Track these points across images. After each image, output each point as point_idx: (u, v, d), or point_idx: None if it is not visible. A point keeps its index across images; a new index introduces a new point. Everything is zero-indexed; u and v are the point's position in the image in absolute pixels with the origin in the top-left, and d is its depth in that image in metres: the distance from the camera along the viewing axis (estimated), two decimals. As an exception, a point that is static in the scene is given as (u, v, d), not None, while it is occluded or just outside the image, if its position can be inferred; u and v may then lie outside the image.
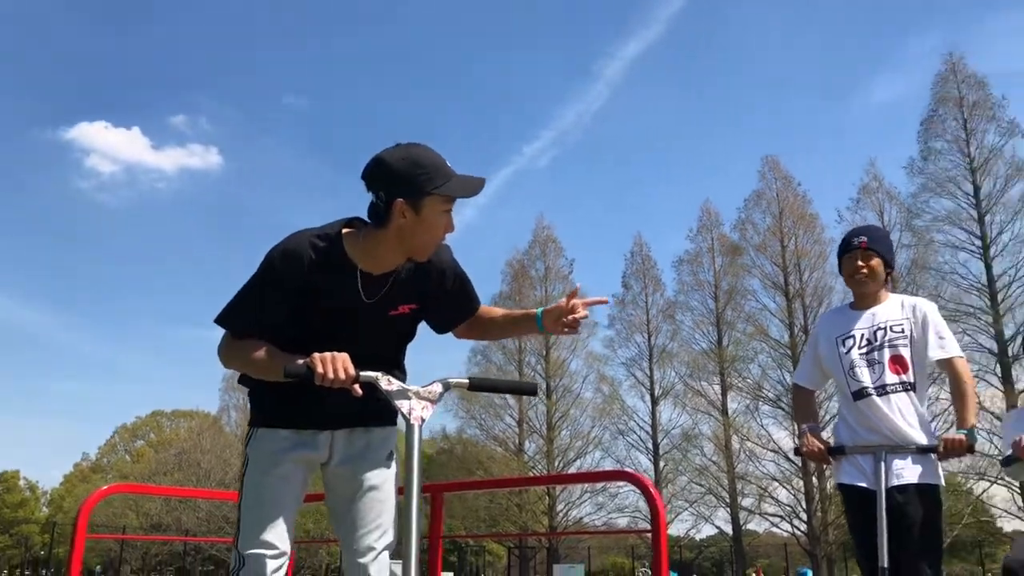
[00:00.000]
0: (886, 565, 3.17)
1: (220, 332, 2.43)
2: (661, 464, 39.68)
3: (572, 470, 38.43)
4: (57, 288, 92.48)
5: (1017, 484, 26.19)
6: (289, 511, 2.42)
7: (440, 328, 2.66)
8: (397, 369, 2.59)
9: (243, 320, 2.37)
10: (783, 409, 35.68)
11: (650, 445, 40.41)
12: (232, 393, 53.24)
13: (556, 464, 38.81)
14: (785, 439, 35.35)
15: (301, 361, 2.14)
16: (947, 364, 3.45)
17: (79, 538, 4.20)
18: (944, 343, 3.47)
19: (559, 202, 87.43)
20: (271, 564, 2.33)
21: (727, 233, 41.23)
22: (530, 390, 2.38)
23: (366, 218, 2.37)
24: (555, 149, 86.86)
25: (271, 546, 2.34)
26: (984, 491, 32.30)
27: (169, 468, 49.00)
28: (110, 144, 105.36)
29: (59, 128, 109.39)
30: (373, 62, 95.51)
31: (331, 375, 2.08)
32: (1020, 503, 29.26)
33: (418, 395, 2.10)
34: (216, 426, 53.71)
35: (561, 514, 39.38)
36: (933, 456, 3.36)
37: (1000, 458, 3.38)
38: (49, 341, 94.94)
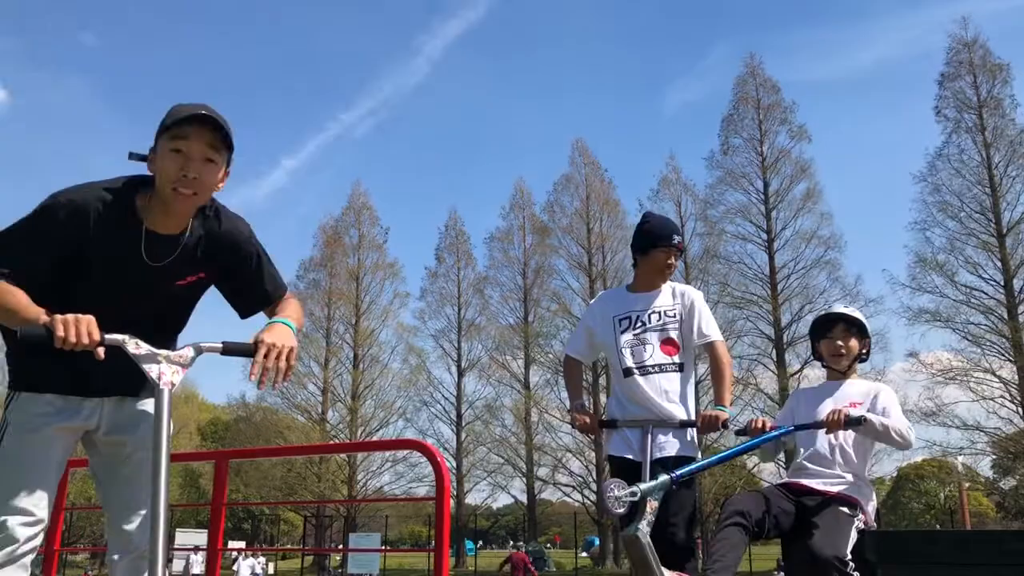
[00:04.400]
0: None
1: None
2: (463, 435, 40.41)
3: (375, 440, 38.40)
4: None
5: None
6: (48, 478, 2.31)
7: (243, 311, 2.57)
8: (174, 337, 2.52)
9: (7, 256, 2.20)
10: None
11: (454, 416, 41.03)
12: None
13: (359, 434, 38.59)
14: (581, 413, 36.90)
15: (41, 321, 2.01)
16: (709, 347, 3.78)
17: None
18: (708, 328, 3.78)
19: (377, 171, 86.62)
20: (25, 531, 2.23)
21: (537, 213, 42.36)
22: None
23: None
24: (373, 119, 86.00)
25: (26, 512, 2.24)
26: (755, 466, 35.28)
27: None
28: None
29: None
30: (185, 16, 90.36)
31: (72, 339, 1.97)
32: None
33: (168, 359, 2.06)
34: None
35: (361, 483, 39.27)
36: (693, 431, 3.67)
37: (736, 428, 3.76)
38: None
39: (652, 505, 3.31)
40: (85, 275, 2.28)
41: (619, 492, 3.24)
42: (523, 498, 41.10)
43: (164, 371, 2.04)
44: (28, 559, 2.26)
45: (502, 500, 50.26)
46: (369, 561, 28.58)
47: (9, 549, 2.21)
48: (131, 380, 2.19)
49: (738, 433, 3.76)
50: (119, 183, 2.27)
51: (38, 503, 2.26)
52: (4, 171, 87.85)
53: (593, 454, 37.11)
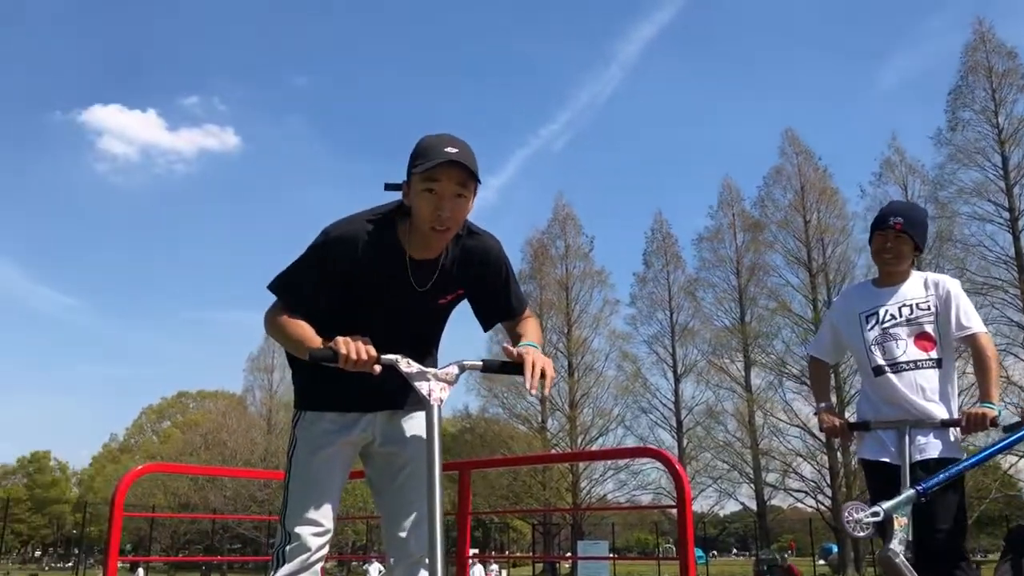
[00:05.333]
0: (910, 539, 3.20)
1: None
2: (684, 441, 39.70)
3: (595, 448, 38.54)
4: (82, 272, 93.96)
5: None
6: (334, 491, 2.50)
7: (485, 322, 2.68)
8: (432, 351, 2.66)
9: (292, 292, 2.43)
10: (807, 385, 35.45)
11: (673, 422, 40.40)
12: (257, 374, 53.72)
13: (579, 442, 38.89)
14: (810, 414, 35.23)
15: (326, 345, 2.20)
16: (971, 339, 3.46)
17: (116, 516, 4.27)
18: (968, 319, 3.47)
19: (577, 182, 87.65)
20: (316, 540, 2.42)
21: (748, 209, 40.92)
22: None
23: None
24: (571, 131, 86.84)
25: (316, 524, 2.43)
26: (1011, 466, 32.07)
27: (196, 448, 49.63)
28: (125, 126, 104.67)
29: (71, 112, 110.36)
30: (388, 45, 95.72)
31: (354, 356, 2.14)
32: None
33: (436, 377, 2.20)
34: (241, 407, 54.24)
35: (584, 491, 39.54)
36: (956, 431, 3.38)
37: (1006, 423, 3.39)
38: (75, 324, 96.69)
39: (901, 522, 3.08)
40: (358, 302, 2.46)
41: (859, 514, 3.05)
42: (752, 504, 39.76)
43: (433, 388, 2.19)
44: (318, 567, 2.46)
45: (729, 507, 48.89)
46: (599, 569, 28.64)
47: (303, 557, 2.41)
48: (399, 395, 2.33)
49: (1005, 429, 3.43)
50: (381, 214, 2.44)
51: (326, 514, 2.46)
52: (245, 209, 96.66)
53: (825, 457, 35.28)
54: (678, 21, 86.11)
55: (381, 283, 2.42)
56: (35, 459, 74.83)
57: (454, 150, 2.25)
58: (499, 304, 2.62)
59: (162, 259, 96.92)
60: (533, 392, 2.33)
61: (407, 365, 2.20)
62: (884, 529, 3.12)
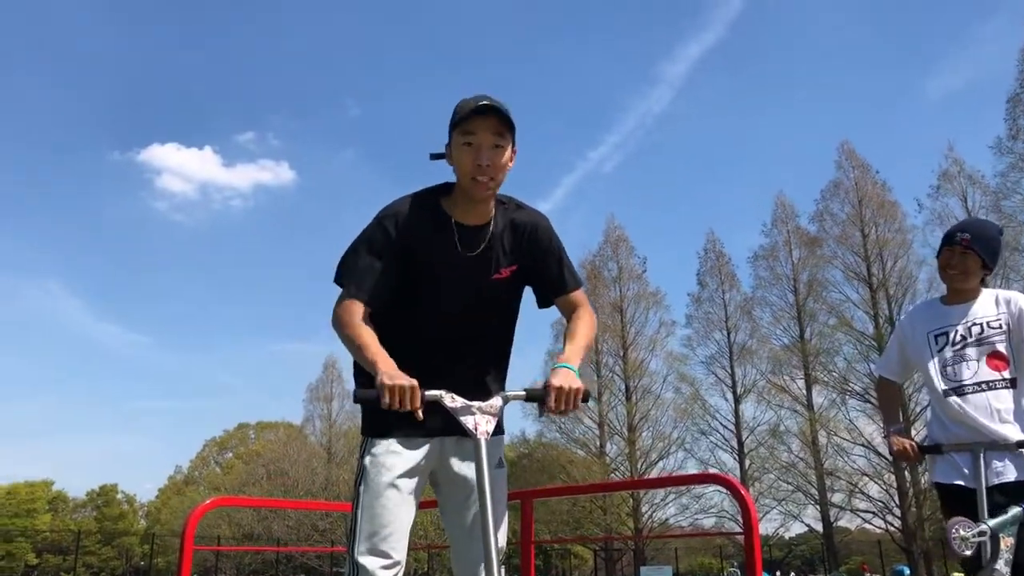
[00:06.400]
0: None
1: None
2: (747, 462, 38.97)
3: (655, 472, 38.04)
4: (146, 308, 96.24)
5: None
6: (403, 521, 2.41)
7: (541, 299, 2.67)
8: (500, 365, 2.64)
9: (351, 274, 2.44)
10: (871, 402, 34.62)
11: (734, 443, 39.72)
12: (316, 404, 54.27)
13: (639, 466, 38.45)
14: (875, 433, 34.36)
15: (376, 382, 2.17)
16: None
17: (187, 549, 4.36)
18: None
19: (628, 204, 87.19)
20: (385, 573, 2.34)
21: (803, 225, 40.30)
22: (584, 398, 2.36)
23: None
24: (620, 153, 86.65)
25: (385, 555, 2.35)
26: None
27: (258, 479, 50.23)
28: (182, 164, 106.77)
29: (129, 151, 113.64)
30: (435, 71, 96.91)
31: (396, 405, 2.13)
32: None
33: (481, 410, 2.20)
34: (301, 436, 54.77)
35: (646, 516, 39.05)
36: (1033, 451, 3.27)
37: None
38: (139, 359, 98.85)
39: (1008, 542, 2.98)
40: (416, 280, 2.48)
41: (965, 532, 2.95)
42: (818, 526, 38.80)
43: (479, 422, 2.20)
44: None
45: (795, 529, 47.81)
46: (662, 594, 28.22)
47: None
48: None
49: None
50: (425, 190, 2.54)
51: (395, 545, 2.38)
52: (303, 241, 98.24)
53: (893, 477, 34.32)
54: (725, 39, 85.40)
55: (433, 254, 2.46)
56: (103, 492, 76.49)
57: (487, 102, 2.33)
58: (551, 278, 2.62)
59: (222, 293, 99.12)
60: (548, 412, 2.31)
61: (451, 400, 2.20)
62: (980, 552, 3.04)
